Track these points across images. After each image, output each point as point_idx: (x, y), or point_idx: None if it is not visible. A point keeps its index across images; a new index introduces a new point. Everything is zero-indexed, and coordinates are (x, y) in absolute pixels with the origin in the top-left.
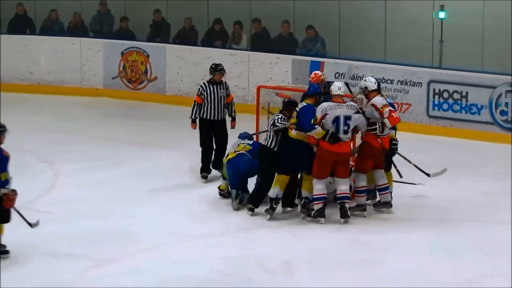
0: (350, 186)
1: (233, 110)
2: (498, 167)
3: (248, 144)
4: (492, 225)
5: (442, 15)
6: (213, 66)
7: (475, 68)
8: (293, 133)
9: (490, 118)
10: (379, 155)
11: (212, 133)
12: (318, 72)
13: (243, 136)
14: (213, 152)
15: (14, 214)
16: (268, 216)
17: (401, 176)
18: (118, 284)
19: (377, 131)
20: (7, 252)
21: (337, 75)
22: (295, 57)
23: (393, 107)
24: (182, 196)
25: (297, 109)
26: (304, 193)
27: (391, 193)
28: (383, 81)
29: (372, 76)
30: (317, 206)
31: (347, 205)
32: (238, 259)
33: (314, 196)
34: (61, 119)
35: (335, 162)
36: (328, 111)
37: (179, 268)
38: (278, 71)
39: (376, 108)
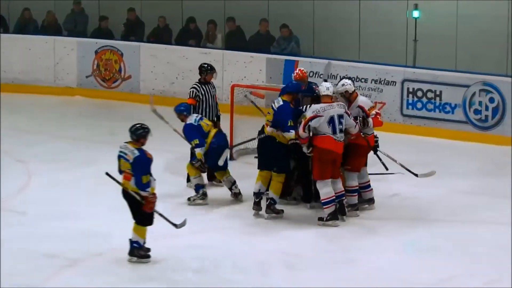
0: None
1: (218, 109)
2: (472, 166)
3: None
4: (466, 225)
5: (416, 14)
6: (206, 66)
7: (449, 67)
8: (268, 130)
9: (463, 117)
10: (367, 153)
11: None
12: (304, 69)
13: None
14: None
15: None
16: (254, 212)
17: (387, 169)
18: (90, 284)
19: (359, 126)
20: (148, 256)
21: (311, 74)
22: (270, 56)
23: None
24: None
25: (274, 105)
26: (271, 193)
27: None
28: (357, 80)
29: (345, 77)
30: (328, 210)
31: (344, 202)
32: (212, 258)
33: (323, 201)
34: (34, 118)
35: (333, 162)
36: (322, 113)
37: (151, 268)
38: (253, 70)
39: (364, 111)
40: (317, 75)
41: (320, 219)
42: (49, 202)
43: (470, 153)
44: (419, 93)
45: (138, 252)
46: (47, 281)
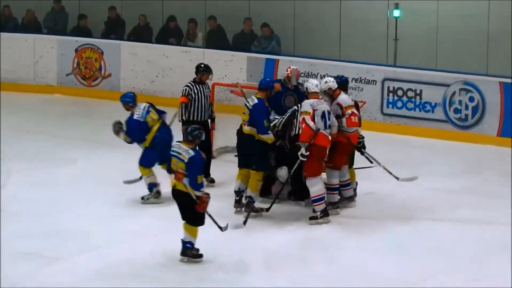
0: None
1: (212, 110)
2: (452, 165)
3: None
4: (445, 223)
5: (396, 13)
6: (203, 66)
7: (429, 66)
8: (246, 128)
9: (444, 116)
10: (348, 151)
11: None
12: (294, 68)
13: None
14: None
15: None
16: (235, 210)
17: (371, 162)
18: (70, 283)
19: None
20: (200, 255)
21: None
22: (250, 54)
23: (357, 105)
24: (132, 194)
25: (248, 104)
26: (249, 191)
27: (355, 189)
28: (338, 78)
29: (327, 75)
30: (319, 207)
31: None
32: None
33: (314, 198)
34: (14, 117)
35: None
36: (316, 107)
37: (133, 266)
38: (233, 68)
39: (341, 108)
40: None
41: (312, 218)
42: (29, 200)
43: (450, 152)
44: (400, 92)
45: (191, 252)
46: (27, 279)
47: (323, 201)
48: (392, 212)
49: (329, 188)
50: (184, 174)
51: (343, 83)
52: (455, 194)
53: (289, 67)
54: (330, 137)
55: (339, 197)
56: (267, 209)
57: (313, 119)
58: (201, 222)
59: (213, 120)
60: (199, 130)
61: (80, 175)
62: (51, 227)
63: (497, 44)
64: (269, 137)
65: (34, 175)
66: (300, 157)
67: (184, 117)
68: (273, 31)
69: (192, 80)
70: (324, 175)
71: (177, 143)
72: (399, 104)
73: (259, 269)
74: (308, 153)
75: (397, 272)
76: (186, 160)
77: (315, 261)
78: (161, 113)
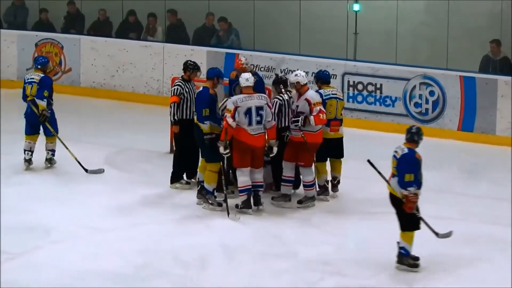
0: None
1: None
2: None
3: None
4: None
5: (356, 7)
6: (192, 63)
7: (389, 60)
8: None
9: (404, 110)
10: (302, 150)
11: (190, 133)
12: (242, 58)
13: None
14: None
15: None
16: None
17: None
18: (31, 278)
19: (299, 124)
20: (417, 265)
21: (252, 67)
22: (210, 49)
23: (325, 103)
24: (95, 189)
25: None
26: (205, 183)
27: (339, 181)
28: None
29: (287, 69)
30: (242, 198)
31: (260, 193)
32: (152, 252)
33: (239, 188)
34: None
35: (252, 153)
36: (240, 104)
37: (92, 262)
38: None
39: (309, 104)
40: (257, 68)
41: (236, 206)
42: None
43: None
44: (360, 86)
45: (407, 260)
46: None
47: (246, 193)
48: (352, 207)
49: (305, 185)
50: (395, 173)
51: (324, 77)
52: None
53: (241, 56)
54: (258, 134)
55: (315, 192)
56: (220, 204)
57: (233, 117)
58: (415, 226)
59: None
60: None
61: (41, 170)
62: (10, 223)
63: (457, 38)
64: (203, 127)
65: None
66: (223, 155)
67: (176, 117)
68: (232, 25)
69: (181, 78)
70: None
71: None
72: (360, 98)
73: (218, 264)
74: (227, 150)
75: (354, 267)
76: (398, 157)
77: (276, 256)
78: None
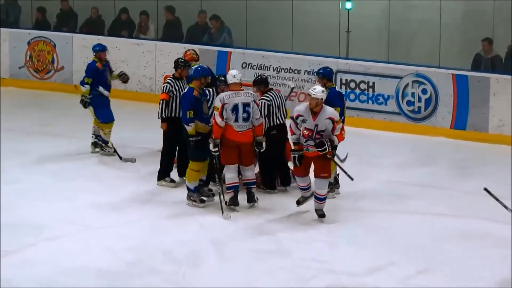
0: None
1: None
2: (404, 157)
3: None
4: (397, 215)
5: (348, 5)
6: (182, 61)
7: (382, 58)
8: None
9: (397, 108)
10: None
11: (179, 130)
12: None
13: None
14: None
15: None
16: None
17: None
18: (24, 275)
19: (327, 149)
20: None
21: (244, 65)
22: (202, 47)
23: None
24: (87, 187)
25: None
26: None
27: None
28: (291, 71)
29: (279, 67)
30: (229, 195)
31: (253, 190)
32: (144, 249)
33: (226, 185)
34: None
35: (239, 150)
36: (226, 100)
37: (82, 259)
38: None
39: (333, 122)
40: (249, 67)
41: (225, 202)
42: None
43: (403, 144)
44: (352, 84)
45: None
46: None
47: (233, 190)
48: (344, 204)
49: (318, 197)
50: None
51: (330, 75)
52: (407, 186)
53: (189, 50)
54: (244, 130)
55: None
56: (203, 201)
57: (221, 114)
58: None
59: None
60: None
61: (30, 167)
62: (3, 220)
63: (449, 36)
64: (188, 129)
65: None
66: (212, 152)
67: (164, 114)
68: (224, 23)
69: (172, 76)
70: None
71: None
72: (352, 96)
73: (210, 261)
74: (216, 148)
75: (347, 264)
76: None
77: (268, 253)
78: None
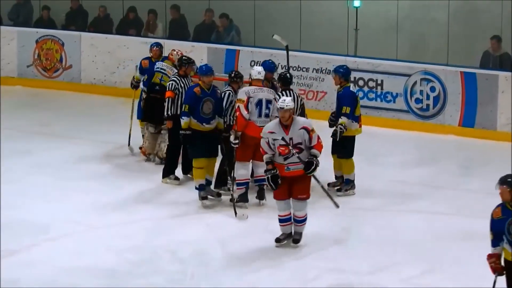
0: None
1: None
2: (412, 155)
3: None
4: (402, 214)
5: (357, 3)
6: (186, 58)
7: (390, 56)
8: None
9: (405, 106)
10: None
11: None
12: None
13: None
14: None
15: None
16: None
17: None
18: (26, 275)
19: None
20: None
21: (252, 64)
22: (211, 45)
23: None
24: (92, 186)
25: None
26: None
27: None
28: (299, 69)
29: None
30: (239, 191)
31: (264, 187)
32: (149, 248)
33: (236, 182)
34: None
35: (256, 147)
36: (252, 94)
37: (86, 259)
38: (194, 59)
39: (308, 132)
40: (258, 65)
41: (231, 200)
42: None
43: (411, 142)
44: (361, 82)
45: None
46: None
47: (244, 186)
48: (349, 203)
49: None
50: None
51: (349, 74)
52: (414, 184)
53: (174, 50)
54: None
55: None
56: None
57: (246, 107)
58: None
59: None
60: None
61: (37, 167)
62: (5, 220)
63: (458, 34)
64: (181, 121)
65: None
66: (231, 144)
67: (170, 112)
68: (232, 21)
69: (176, 74)
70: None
71: None
72: (360, 94)
73: (216, 260)
74: (237, 141)
75: (352, 263)
76: None
77: (273, 252)
78: None
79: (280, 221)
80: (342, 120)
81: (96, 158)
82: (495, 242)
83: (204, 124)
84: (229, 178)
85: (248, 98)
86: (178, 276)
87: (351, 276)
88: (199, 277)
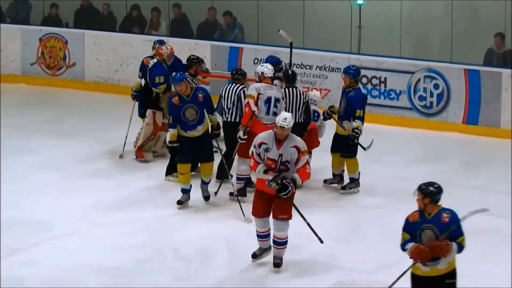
0: None
1: None
2: (415, 153)
3: None
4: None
5: (360, 1)
6: (195, 57)
7: (393, 54)
8: None
9: (408, 103)
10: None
11: None
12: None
13: None
14: None
15: None
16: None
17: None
18: (30, 273)
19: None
20: None
21: (255, 61)
22: (214, 43)
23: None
24: (95, 184)
25: None
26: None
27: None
28: (302, 67)
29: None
30: (238, 186)
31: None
32: (152, 246)
33: (237, 176)
34: None
35: None
36: (262, 91)
37: (92, 257)
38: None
39: (299, 152)
40: (261, 62)
41: (231, 193)
42: None
43: (415, 139)
44: (364, 80)
45: None
46: None
47: (242, 181)
48: (352, 201)
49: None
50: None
51: (357, 75)
52: (416, 182)
53: (164, 45)
54: (270, 124)
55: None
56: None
57: (256, 104)
58: None
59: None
60: None
61: (41, 165)
62: (8, 218)
63: (461, 31)
64: (168, 134)
65: None
66: (238, 139)
67: None
68: (236, 19)
69: (187, 73)
70: None
71: None
72: (364, 91)
73: (220, 257)
74: (245, 136)
75: (356, 261)
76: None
77: None
78: None
79: (258, 236)
80: (357, 124)
81: (99, 156)
82: (407, 243)
83: (187, 131)
84: (229, 175)
85: (258, 94)
86: (182, 274)
87: (355, 274)
88: (203, 275)
